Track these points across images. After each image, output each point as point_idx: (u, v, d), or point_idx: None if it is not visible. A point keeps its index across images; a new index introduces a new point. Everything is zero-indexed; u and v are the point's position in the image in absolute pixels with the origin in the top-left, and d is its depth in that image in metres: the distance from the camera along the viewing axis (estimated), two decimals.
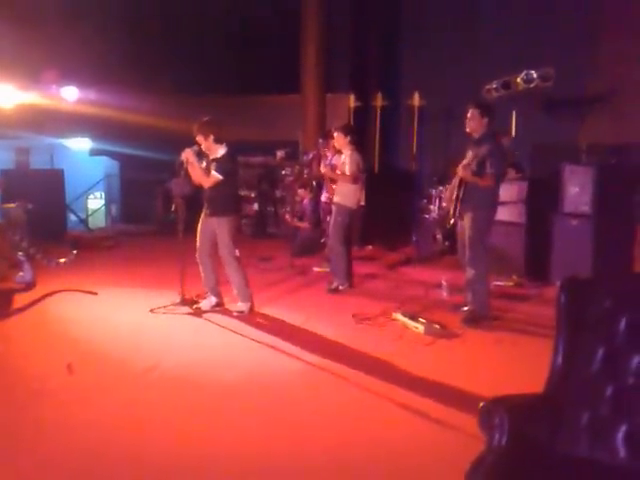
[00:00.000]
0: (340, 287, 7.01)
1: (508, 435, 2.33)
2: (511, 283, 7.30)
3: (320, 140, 8.37)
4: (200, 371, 4.63)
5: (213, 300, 6.21)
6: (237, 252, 6.07)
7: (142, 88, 11.38)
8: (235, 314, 6.02)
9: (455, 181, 5.81)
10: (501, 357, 5.01)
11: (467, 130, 5.80)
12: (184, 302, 6.21)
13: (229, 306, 6.21)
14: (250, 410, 3.98)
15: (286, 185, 10.46)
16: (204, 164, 6.01)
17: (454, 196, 5.81)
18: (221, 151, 5.96)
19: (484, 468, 2.26)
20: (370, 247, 9.69)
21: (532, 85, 8.92)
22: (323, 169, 7.33)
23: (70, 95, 11.40)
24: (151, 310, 6.10)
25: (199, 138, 5.95)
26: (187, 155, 5.93)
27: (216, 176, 5.88)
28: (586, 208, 7.00)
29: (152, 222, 11.87)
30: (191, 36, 12.97)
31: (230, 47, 13.41)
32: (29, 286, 7.01)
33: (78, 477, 3.18)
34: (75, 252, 7.71)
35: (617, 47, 9.12)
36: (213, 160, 5.96)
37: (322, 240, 8.12)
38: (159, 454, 3.40)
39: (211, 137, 5.93)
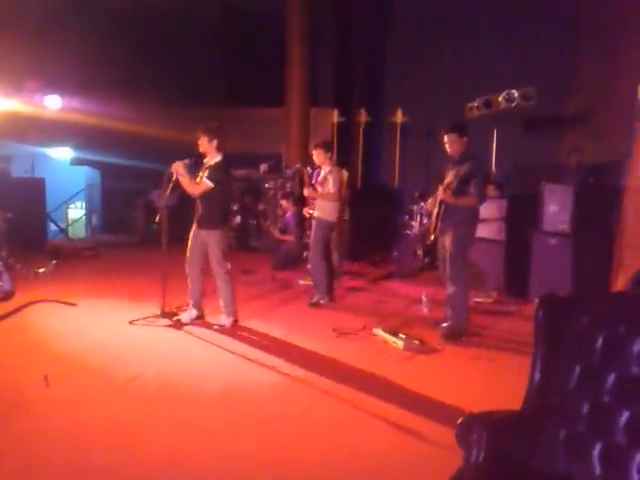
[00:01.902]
0: (321, 301, 7.01)
1: (486, 451, 2.34)
2: (490, 300, 7.36)
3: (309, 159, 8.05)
4: (180, 383, 4.61)
5: (194, 313, 6.19)
6: (229, 266, 6.07)
7: (125, 98, 11.37)
8: (216, 327, 6.00)
9: (437, 197, 5.86)
10: (479, 373, 5.04)
11: (449, 154, 5.80)
12: (164, 314, 6.17)
13: (210, 319, 6.19)
14: (229, 423, 3.97)
15: (269, 198, 10.47)
16: (200, 173, 6.01)
17: (435, 213, 5.86)
18: (217, 158, 6.00)
19: None
20: (348, 263, 9.68)
21: (513, 104, 9.06)
22: (306, 192, 7.23)
23: (53, 104, 11.36)
24: (130, 322, 6.07)
25: (203, 139, 5.96)
26: (177, 167, 5.93)
27: (207, 183, 5.89)
28: (565, 226, 7.09)
29: (133, 232, 11.81)
30: (176, 47, 13.01)
31: (216, 59, 13.48)
32: (8, 296, 6.93)
33: None
34: (55, 262, 7.67)
35: (597, 67, 9.29)
36: (207, 168, 5.98)
37: (305, 254, 8.10)
38: (138, 466, 3.37)
39: (215, 142, 5.97)
